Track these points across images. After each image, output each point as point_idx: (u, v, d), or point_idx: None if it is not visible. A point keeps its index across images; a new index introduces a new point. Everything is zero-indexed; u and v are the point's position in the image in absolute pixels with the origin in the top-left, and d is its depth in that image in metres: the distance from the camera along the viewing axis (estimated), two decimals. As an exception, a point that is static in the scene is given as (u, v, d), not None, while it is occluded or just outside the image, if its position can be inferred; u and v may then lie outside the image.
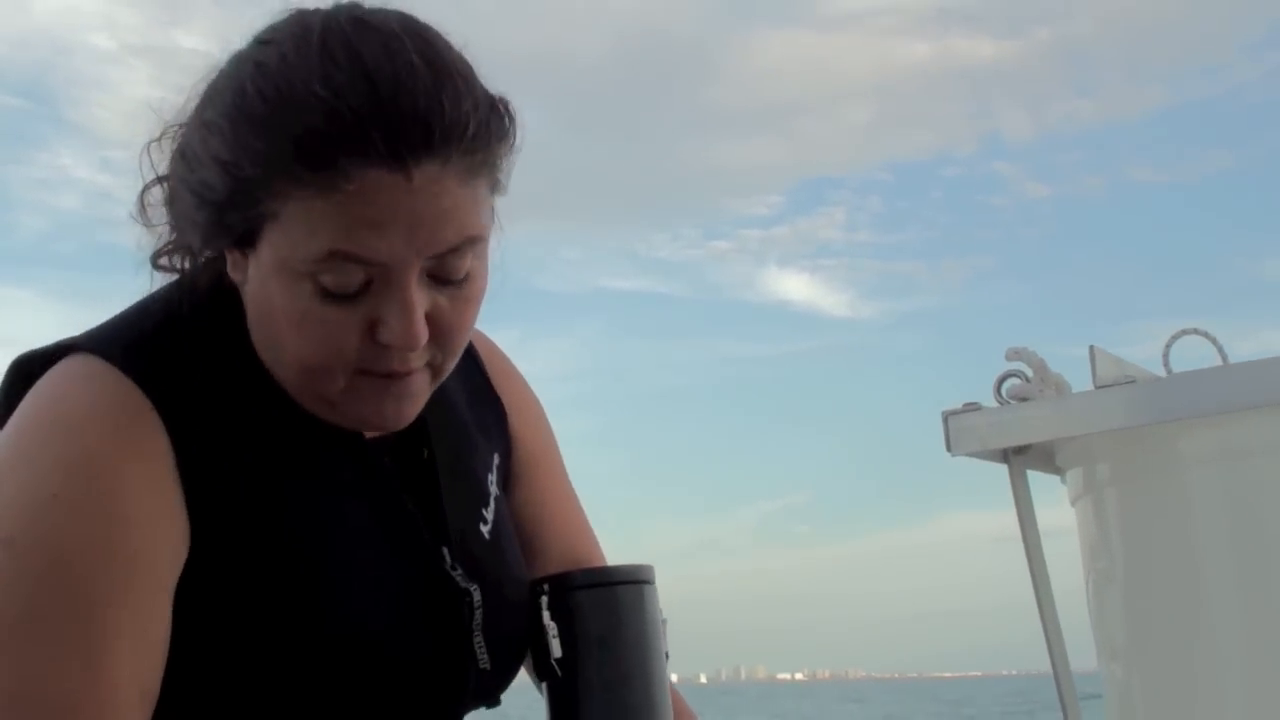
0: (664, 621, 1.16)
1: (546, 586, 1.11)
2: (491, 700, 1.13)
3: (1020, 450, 1.31)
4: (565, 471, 1.29)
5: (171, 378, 0.95)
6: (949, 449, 1.22)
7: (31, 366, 0.98)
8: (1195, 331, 1.33)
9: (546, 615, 1.09)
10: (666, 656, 1.16)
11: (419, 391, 0.99)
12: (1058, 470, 1.40)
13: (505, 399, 1.19)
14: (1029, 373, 1.23)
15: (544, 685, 1.13)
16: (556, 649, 1.09)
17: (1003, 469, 1.32)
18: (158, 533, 0.92)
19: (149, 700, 0.92)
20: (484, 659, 1.07)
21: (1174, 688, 1.18)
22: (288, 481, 0.98)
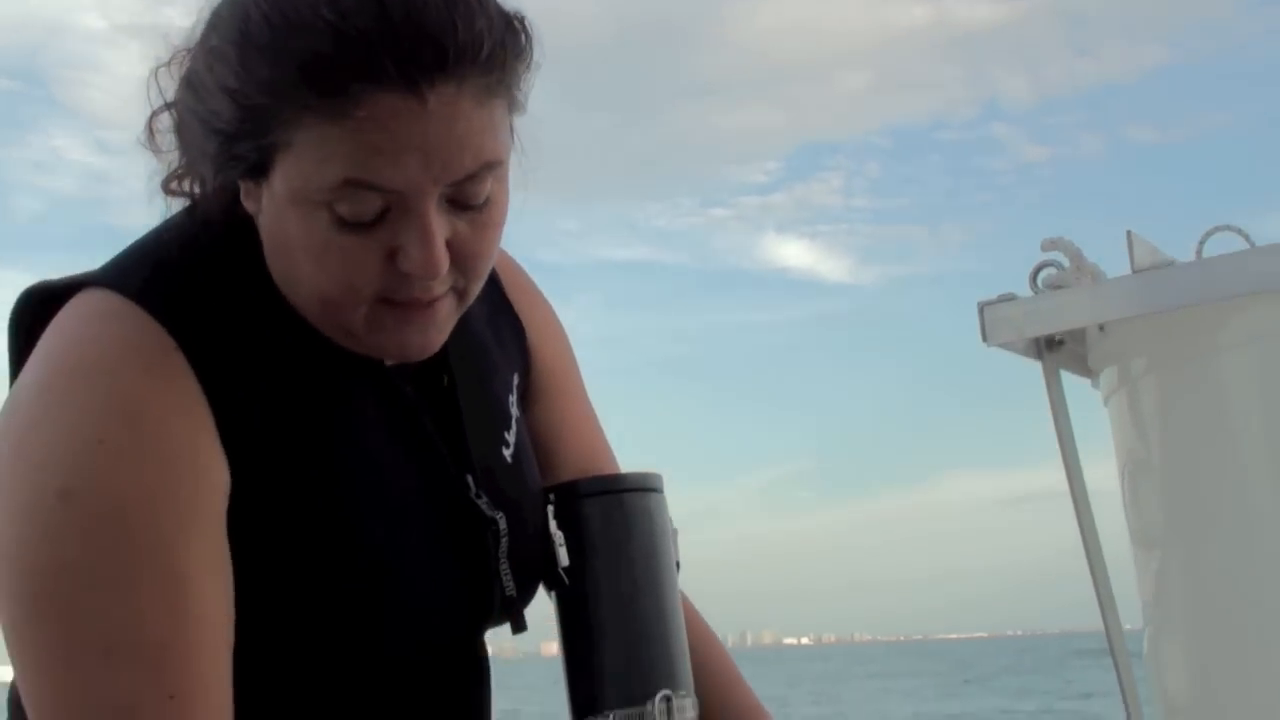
0: (675, 532, 1.16)
1: (553, 495, 1.11)
2: (516, 623, 1.13)
3: (1054, 346, 1.31)
4: (584, 390, 1.27)
5: (192, 313, 0.93)
6: (985, 339, 1.22)
7: (44, 299, 0.96)
8: (1228, 228, 1.33)
9: (553, 524, 1.09)
10: (678, 566, 1.15)
11: (444, 320, 0.97)
12: (1089, 372, 1.40)
13: (523, 316, 1.18)
14: (1065, 262, 1.23)
15: (553, 594, 1.13)
16: (564, 558, 1.08)
17: (1036, 373, 1.33)
18: (206, 470, 0.91)
19: (231, 635, 0.92)
20: (509, 585, 1.07)
21: (1211, 570, 1.18)
22: (312, 413, 0.97)
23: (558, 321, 1.25)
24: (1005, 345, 1.24)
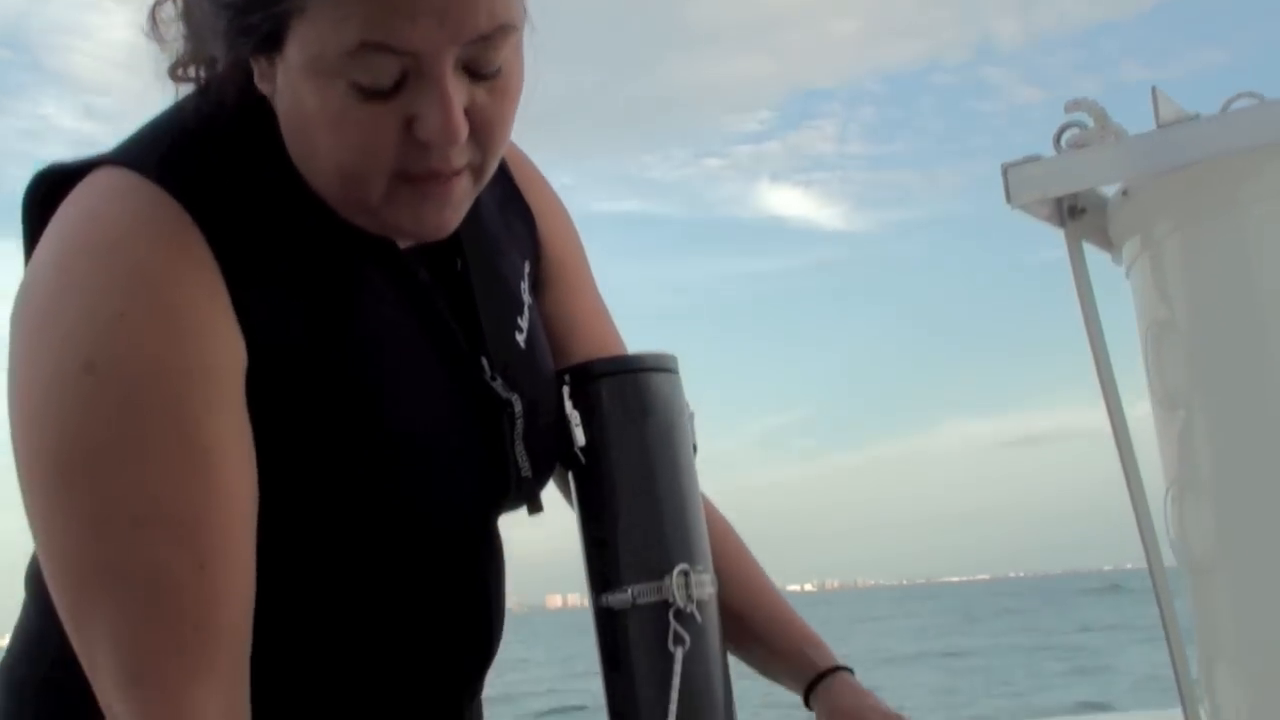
0: (691, 415, 1.16)
1: (568, 376, 1.12)
2: (533, 504, 1.14)
3: (1076, 214, 1.31)
4: (593, 279, 1.28)
5: (209, 190, 0.93)
6: (1008, 200, 1.22)
7: (57, 180, 0.96)
8: (1250, 95, 1.33)
9: (569, 404, 1.09)
10: (695, 449, 1.16)
11: (460, 199, 0.97)
12: (1111, 245, 1.40)
13: (533, 205, 1.18)
14: (1089, 122, 1.22)
15: (569, 475, 1.14)
16: (579, 437, 1.09)
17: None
18: (225, 343, 0.91)
19: (255, 510, 0.92)
20: (525, 467, 1.08)
21: (1237, 427, 1.19)
22: (329, 292, 0.97)
23: (566, 213, 1.25)
24: (1028, 207, 1.24)
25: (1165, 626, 1.17)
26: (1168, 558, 1.25)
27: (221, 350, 0.91)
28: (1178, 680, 1.18)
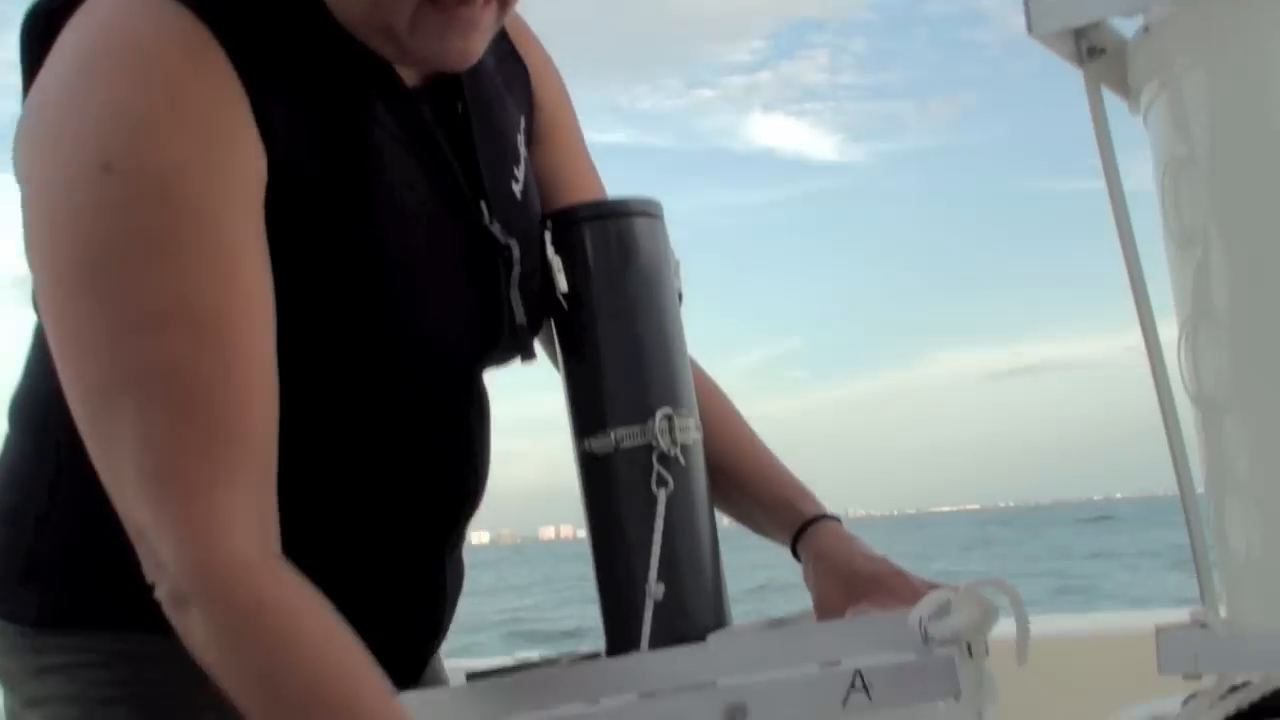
0: (677, 263, 1.15)
1: (550, 221, 1.12)
2: (526, 352, 1.14)
3: (1095, 55, 1.29)
4: (583, 138, 1.30)
5: (227, 8, 0.92)
6: (1029, 30, 1.20)
7: (56, 9, 0.94)
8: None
9: (550, 250, 1.09)
10: (680, 298, 1.15)
11: (486, 27, 0.98)
12: (1129, 91, 1.38)
13: (529, 64, 1.20)
14: (1111, -50, 1.20)
15: (551, 322, 1.13)
16: (562, 283, 1.09)
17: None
18: (247, 149, 0.91)
19: (274, 318, 0.91)
20: (519, 314, 1.08)
21: (1256, 254, 1.18)
22: (341, 117, 0.98)
23: (559, 75, 1.25)
24: (1048, 40, 1.22)
25: (1175, 462, 1.17)
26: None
27: (244, 155, 0.91)
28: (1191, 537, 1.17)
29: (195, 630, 0.87)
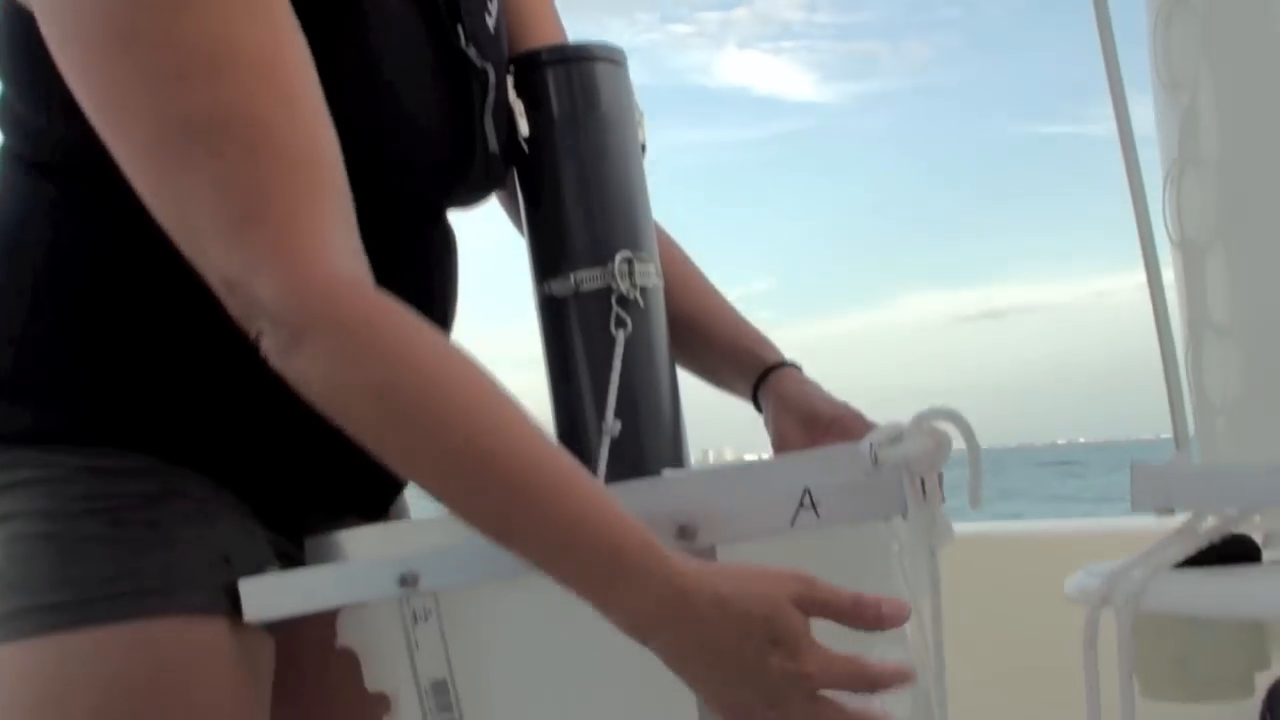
0: (641, 115, 1.15)
1: (513, 65, 1.12)
2: (498, 180, 1.15)
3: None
4: None
5: None
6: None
7: None
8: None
9: (513, 94, 1.09)
10: (643, 149, 1.15)
11: None
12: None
13: None
14: None
15: (513, 169, 1.14)
16: (524, 127, 1.09)
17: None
18: None
19: (314, 67, 0.91)
20: (492, 142, 1.09)
21: (1245, 98, 1.14)
22: None
23: None
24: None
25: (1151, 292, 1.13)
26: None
27: None
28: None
29: (311, 366, 0.86)
